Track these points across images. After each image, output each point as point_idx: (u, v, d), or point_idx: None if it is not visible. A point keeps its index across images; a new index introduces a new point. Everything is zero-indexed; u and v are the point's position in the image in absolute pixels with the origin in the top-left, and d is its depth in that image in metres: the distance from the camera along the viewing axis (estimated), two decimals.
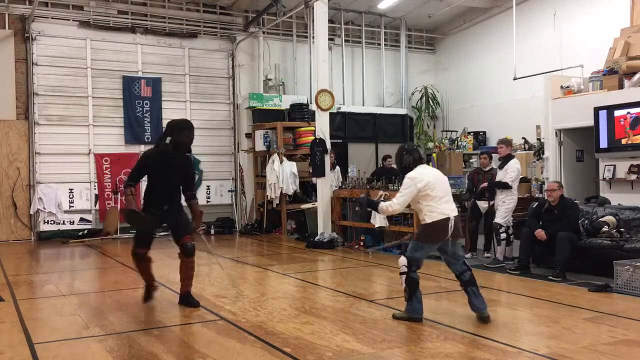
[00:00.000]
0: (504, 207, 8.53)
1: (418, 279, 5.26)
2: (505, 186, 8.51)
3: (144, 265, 6.20)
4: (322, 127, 11.38)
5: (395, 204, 5.29)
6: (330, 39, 13.63)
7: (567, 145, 10.25)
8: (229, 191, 14.26)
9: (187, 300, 6.05)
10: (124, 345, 4.74)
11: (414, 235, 5.56)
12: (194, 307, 5.92)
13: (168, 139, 5.82)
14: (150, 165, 5.91)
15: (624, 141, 9.06)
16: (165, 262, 9.45)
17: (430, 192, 5.18)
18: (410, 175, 5.28)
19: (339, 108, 14.05)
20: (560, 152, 10.23)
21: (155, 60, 13.63)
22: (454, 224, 5.19)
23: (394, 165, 13.16)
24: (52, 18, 12.73)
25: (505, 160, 8.67)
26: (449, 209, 5.22)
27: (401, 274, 5.27)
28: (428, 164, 13.04)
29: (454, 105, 15.89)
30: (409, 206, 5.51)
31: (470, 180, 9.39)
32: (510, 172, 8.51)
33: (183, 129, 5.87)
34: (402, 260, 5.28)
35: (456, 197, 9.48)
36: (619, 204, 8.48)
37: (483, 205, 9.02)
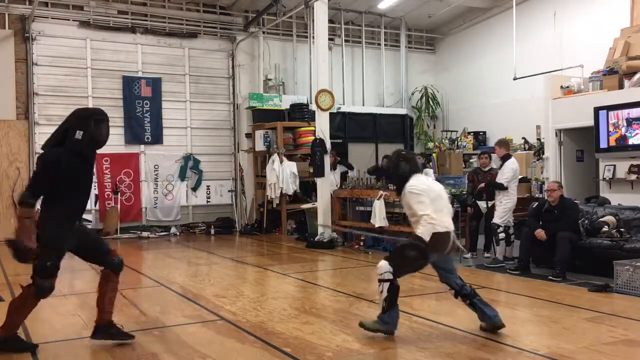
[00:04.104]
0: (501, 207, 8.54)
1: (399, 287, 4.79)
2: (500, 187, 8.53)
3: (34, 305, 4.53)
4: (322, 127, 11.38)
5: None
6: (330, 39, 13.62)
7: (567, 145, 10.25)
8: (229, 191, 14.26)
9: (112, 332, 4.73)
10: (124, 345, 4.73)
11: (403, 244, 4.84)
12: (129, 340, 4.76)
13: (79, 133, 4.41)
14: (64, 170, 4.39)
15: None
16: (165, 262, 9.48)
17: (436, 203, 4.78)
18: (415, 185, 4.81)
19: (339, 108, 14.05)
20: (560, 152, 10.23)
21: (155, 60, 13.62)
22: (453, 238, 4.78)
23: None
24: (52, 18, 12.73)
25: (504, 160, 8.70)
26: (450, 222, 4.83)
27: (384, 281, 4.68)
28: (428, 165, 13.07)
29: (454, 105, 15.89)
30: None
31: (470, 181, 9.41)
32: (506, 173, 8.54)
33: (100, 121, 4.55)
34: (386, 266, 4.69)
35: (456, 197, 9.56)
36: (619, 204, 8.48)
37: (483, 205, 9.03)
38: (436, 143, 15.13)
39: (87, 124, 4.45)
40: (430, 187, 4.86)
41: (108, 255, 4.75)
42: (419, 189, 4.76)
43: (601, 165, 9.48)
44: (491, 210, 8.86)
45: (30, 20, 12.31)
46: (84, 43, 12.95)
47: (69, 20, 12.91)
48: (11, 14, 12.42)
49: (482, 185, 8.95)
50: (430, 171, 12.32)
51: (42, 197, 4.43)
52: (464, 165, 13.90)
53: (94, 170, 4.82)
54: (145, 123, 13.42)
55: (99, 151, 4.66)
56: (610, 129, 9.15)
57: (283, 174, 12.45)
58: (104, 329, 4.73)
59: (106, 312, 4.75)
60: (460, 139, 14.81)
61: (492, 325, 4.85)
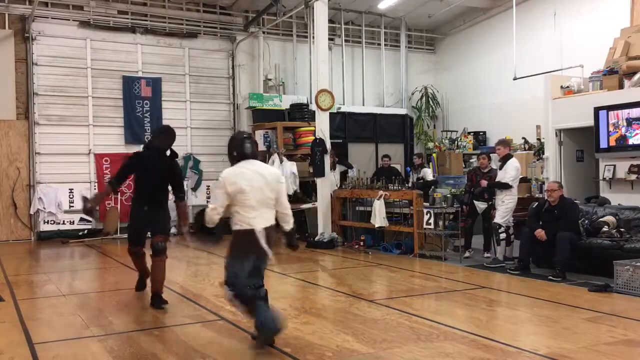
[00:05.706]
0: (504, 207, 8.54)
1: (250, 293, 4.41)
2: (506, 186, 8.51)
3: (141, 261, 6.58)
4: (322, 127, 11.38)
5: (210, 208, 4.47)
6: (330, 39, 13.61)
7: (567, 145, 10.24)
8: None
9: (157, 301, 6.02)
10: (124, 345, 4.74)
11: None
12: (161, 310, 5.94)
13: (146, 143, 6.37)
14: (132, 165, 6.29)
15: None
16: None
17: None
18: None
19: (339, 108, 14.04)
20: (560, 152, 10.23)
21: (155, 60, 13.61)
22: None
23: (393, 165, 13.27)
24: (52, 18, 12.72)
25: (504, 160, 8.69)
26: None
27: (231, 300, 4.50)
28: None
29: (454, 105, 15.88)
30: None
31: (469, 180, 9.40)
32: (510, 171, 8.53)
33: (160, 133, 6.48)
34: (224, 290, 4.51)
35: (456, 197, 9.56)
36: (619, 204, 8.49)
37: (480, 205, 9.03)
38: (436, 143, 15.13)
39: (152, 135, 6.37)
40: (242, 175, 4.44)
41: (154, 238, 6.06)
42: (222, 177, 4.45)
43: (601, 165, 9.48)
44: (489, 210, 8.87)
45: (30, 20, 12.31)
46: (84, 43, 12.94)
47: (69, 20, 12.90)
48: (11, 14, 12.42)
49: (484, 182, 8.83)
50: (429, 171, 12.39)
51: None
52: (464, 165, 13.89)
53: (158, 170, 6.15)
54: (145, 123, 13.41)
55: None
56: (610, 129, 9.15)
57: (283, 174, 12.41)
58: (154, 299, 6.03)
59: (152, 287, 6.13)
60: (460, 139, 14.80)
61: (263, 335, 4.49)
